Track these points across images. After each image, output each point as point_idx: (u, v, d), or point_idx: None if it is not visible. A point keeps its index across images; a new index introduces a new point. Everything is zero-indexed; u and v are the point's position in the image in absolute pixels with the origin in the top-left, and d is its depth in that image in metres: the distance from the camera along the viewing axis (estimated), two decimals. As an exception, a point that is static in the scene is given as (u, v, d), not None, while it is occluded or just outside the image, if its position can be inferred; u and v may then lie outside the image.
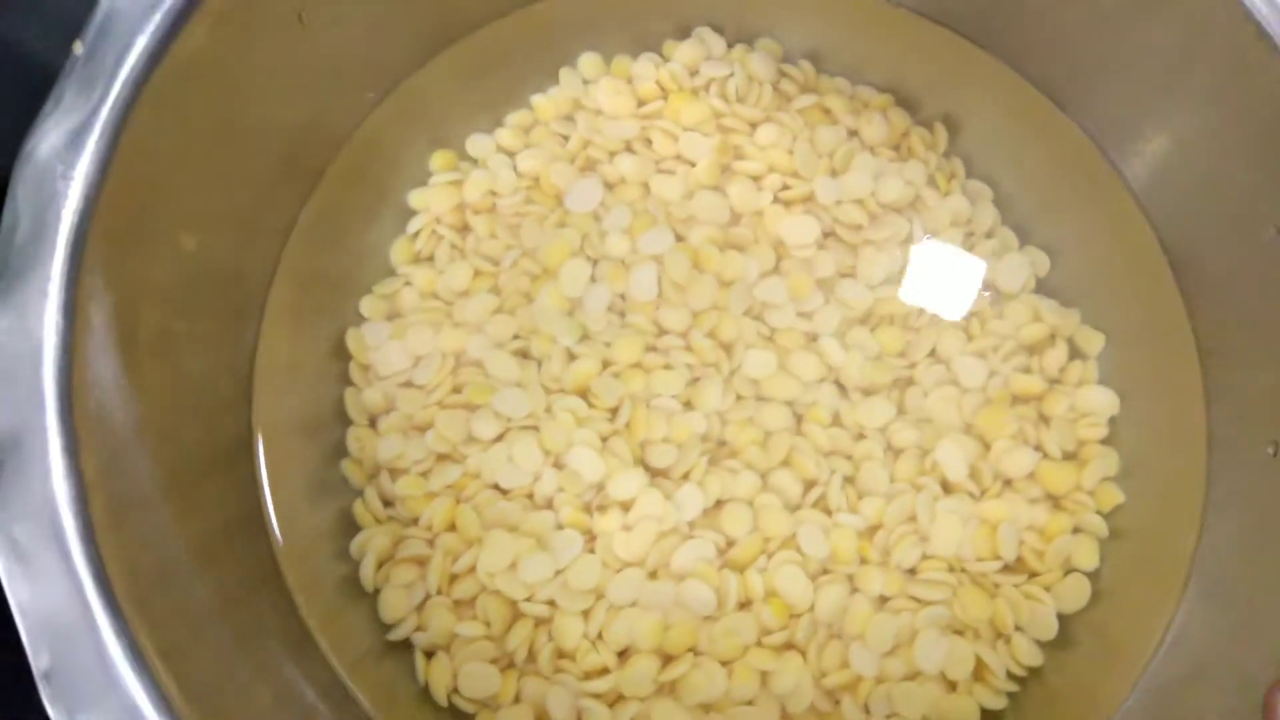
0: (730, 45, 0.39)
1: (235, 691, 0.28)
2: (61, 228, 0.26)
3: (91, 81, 0.27)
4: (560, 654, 0.32)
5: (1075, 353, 0.36)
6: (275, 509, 0.33)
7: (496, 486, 0.34)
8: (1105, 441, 0.35)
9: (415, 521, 0.33)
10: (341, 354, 0.36)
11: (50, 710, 0.22)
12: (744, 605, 0.32)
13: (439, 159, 0.38)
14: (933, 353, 0.36)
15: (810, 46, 0.39)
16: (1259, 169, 0.30)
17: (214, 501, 0.32)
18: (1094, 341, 0.36)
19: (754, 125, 0.38)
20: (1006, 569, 0.33)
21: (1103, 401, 0.35)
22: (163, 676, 0.24)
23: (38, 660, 0.23)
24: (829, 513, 0.33)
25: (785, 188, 0.37)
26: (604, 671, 0.31)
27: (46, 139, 0.26)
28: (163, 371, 0.30)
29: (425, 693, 0.32)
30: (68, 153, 0.26)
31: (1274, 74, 0.29)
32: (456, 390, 0.35)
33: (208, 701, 0.25)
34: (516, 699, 0.32)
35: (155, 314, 0.30)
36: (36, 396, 0.25)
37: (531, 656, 0.32)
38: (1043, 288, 0.37)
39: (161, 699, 0.23)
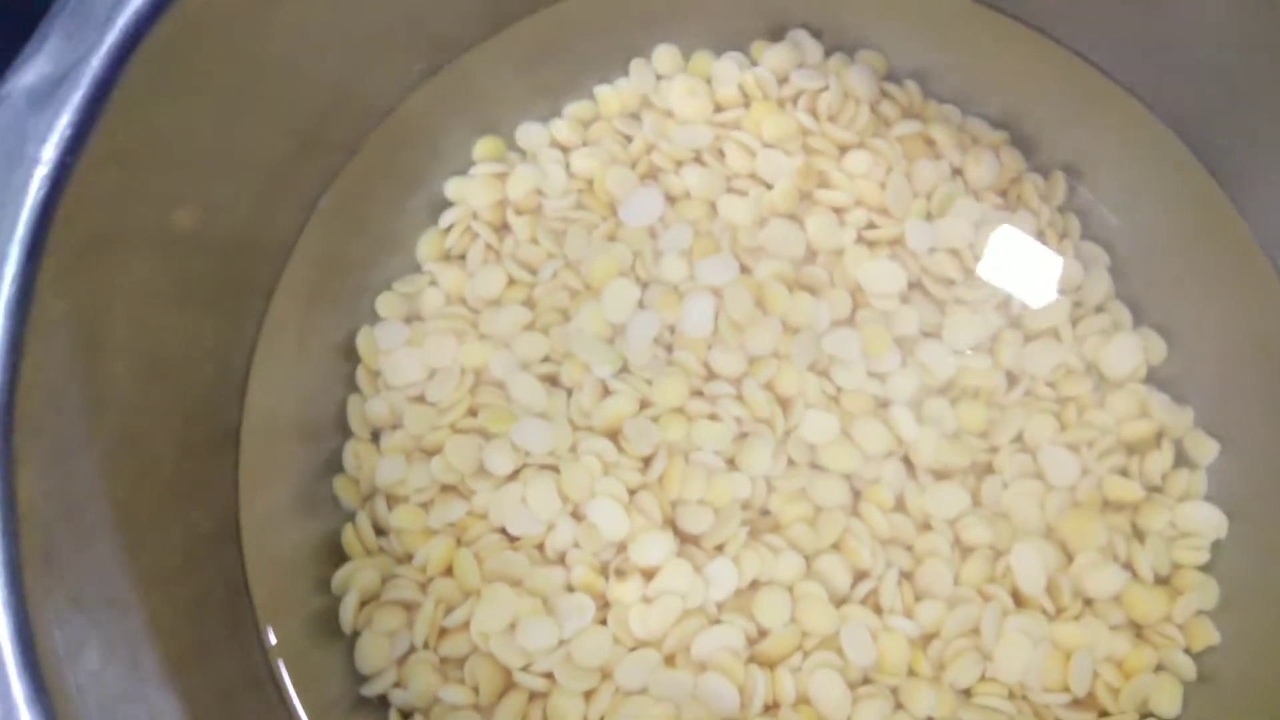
0: (828, 54, 0.35)
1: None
2: (27, 197, 0.22)
3: (82, 23, 0.23)
4: None
5: (1183, 459, 0.31)
6: (249, 524, 0.30)
7: (504, 531, 0.30)
8: (1205, 569, 0.30)
9: (409, 559, 0.30)
10: (350, 355, 0.32)
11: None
12: (770, 709, 0.28)
13: (484, 147, 0.34)
14: (1019, 438, 0.31)
15: (919, 65, 0.35)
16: None
17: (179, 512, 0.28)
18: (1207, 449, 0.31)
19: (844, 149, 0.34)
20: (1075, 703, 0.29)
21: (1208, 521, 0.30)
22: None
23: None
24: (880, 612, 0.29)
25: (871, 226, 0.33)
26: None
27: (20, 87, 0.22)
28: (136, 367, 0.26)
29: None
30: (44, 106, 0.22)
31: None
32: (472, 413, 0.31)
33: None
34: None
35: (134, 305, 0.26)
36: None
37: None
38: (1154, 378, 0.32)
39: None
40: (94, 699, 0.22)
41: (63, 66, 0.22)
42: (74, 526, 0.24)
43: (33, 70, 0.22)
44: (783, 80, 0.34)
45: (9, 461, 0.21)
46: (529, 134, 0.34)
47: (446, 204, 0.34)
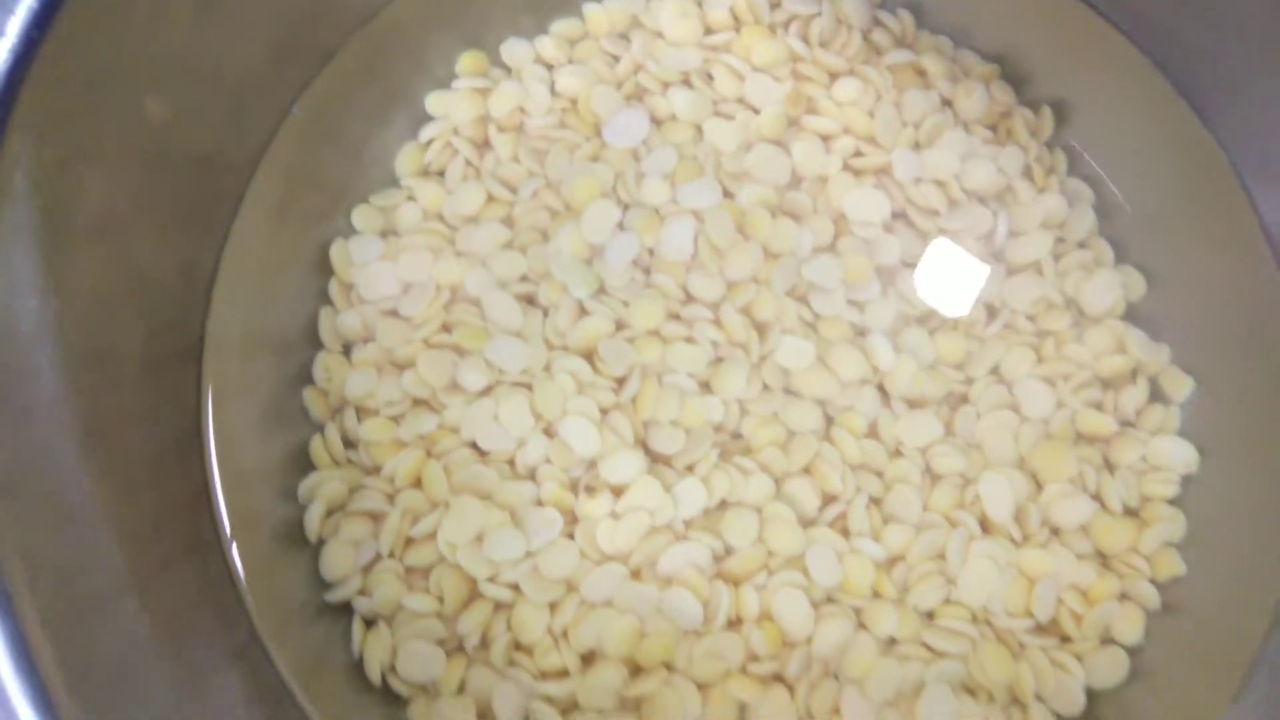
0: (821, -22, 0.34)
1: (135, 646, 0.24)
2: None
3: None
4: (517, 646, 0.29)
5: (1157, 395, 0.32)
6: (217, 432, 0.30)
7: (475, 446, 0.30)
8: (1174, 502, 0.31)
9: (377, 471, 0.30)
10: (323, 268, 0.32)
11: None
12: (733, 624, 0.29)
13: (467, 61, 0.34)
14: (995, 370, 0.32)
15: (913, -5, 0.34)
16: None
17: (143, 416, 0.28)
18: (1181, 386, 0.31)
19: (834, 77, 0.34)
20: (1038, 629, 0.29)
21: (1179, 456, 0.31)
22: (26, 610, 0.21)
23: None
24: (847, 535, 0.30)
25: (858, 154, 0.33)
26: (563, 674, 0.28)
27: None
28: (101, 262, 0.26)
29: (357, 668, 0.29)
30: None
31: None
32: (446, 329, 0.31)
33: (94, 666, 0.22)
34: (460, 689, 0.28)
35: (102, 190, 0.26)
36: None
37: (484, 644, 0.29)
38: (1133, 315, 0.32)
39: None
40: (62, 612, 0.22)
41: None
42: (35, 437, 0.24)
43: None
44: (775, 5, 0.34)
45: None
46: (514, 50, 0.34)
47: (427, 118, 0.33)
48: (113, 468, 0.26)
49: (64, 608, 0.23)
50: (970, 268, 0.32)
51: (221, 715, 0.26)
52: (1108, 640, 0.29)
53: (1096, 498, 0.30)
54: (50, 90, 0.23)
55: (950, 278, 0.32)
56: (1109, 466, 0.31)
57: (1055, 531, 0.30)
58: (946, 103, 0.33)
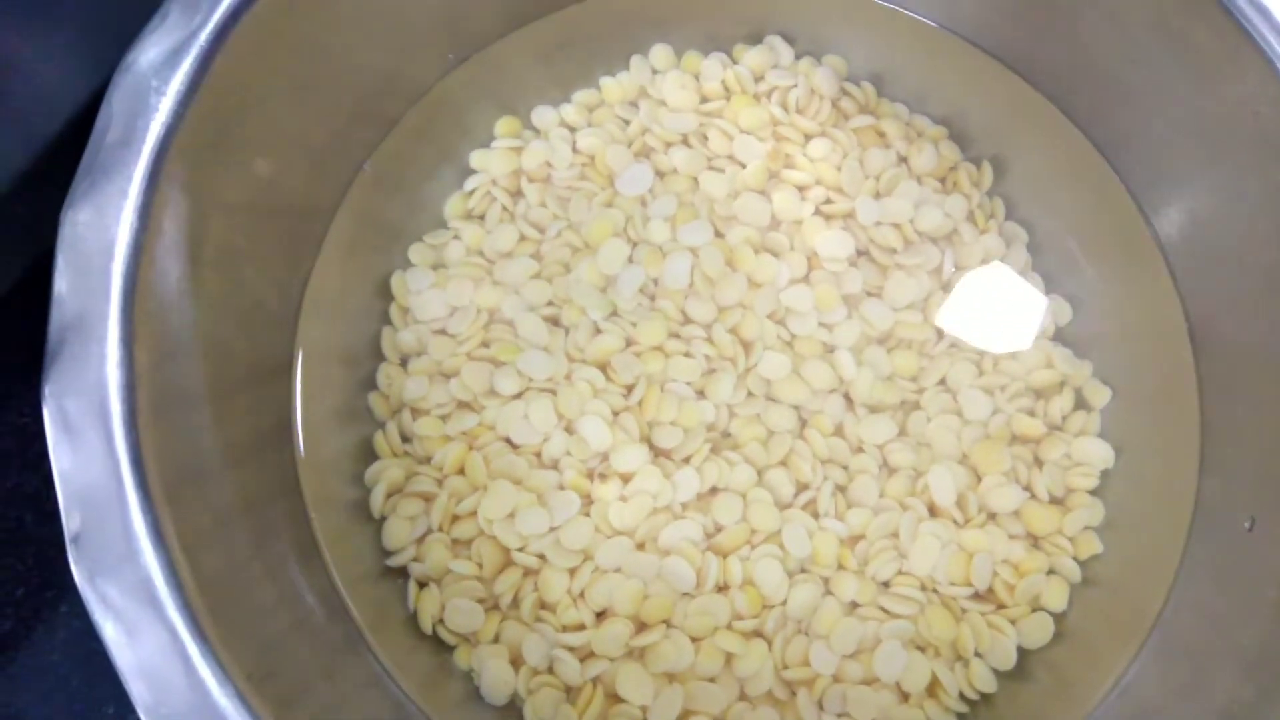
0: (798, 57, 0.40)
1: (244, 584, 0.30)
2: (148, 137, 0.28)
3: (195, 4, 0.29)
4: (542, 605, 0.34)
5: (1081, 403, 0.37)
6: (303, 427, 0.35)
7: (508, 440, 0.35)
8: (1094, 492, 0.36)
9: (428, 460, 0.35)
10: (385, 294, 0.38)
11: (75, 569, 0.24)
12: (721, 589, 0.34)
13: (504, 125, 0.40)
14: (942, 381, 0.37)
15: (876, 69, 0.40)
16: (1277, 249, 0.31)
17: (249, 411, 0.33)
18: (1100, 395, 0.36)
19: (808, 137, 0.39)
20: (976, 597, 0.34)
21: (1098, 453, 0.36)
22: (179, 557, 0.26)
23: (69, 522, 0.25)
24: (816, 516, 0.35)
25: (828, 201, 0.38)
26: (580, 627, 0.33)
27: (147, 53, 0.28)
28: (222, 284, 0.32)
29: (413, 619, 0.34)
30: (164, 68, 0.28)
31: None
32: (485, 345, 0.36)
33: (218, 587, 0.27)
34: (496, 639, 0.33)
35: (222, 230, 0.32)
36: (104, 288, 0.27)
37: (515, 603, 0.34)
38: (1060, 336, 0.37)
39: (175, 578, 0.25)
40: (200, 531, 0.28)
41: (180, 37, 0.28)
42: (176, 409, 0.30)
43: (155, 39, 0.29)
44: (759, 78, 0.40)
45: (128, 339, 0.27)
46: (543, 115, 0.40)
47: (471, 171, 0.39)
48: (227, 456, 0.31)
49: (194, 572, 0.27)
50: (924, 293, 0.38)
51: (306, 658, 0.31)
52: (1036, 607, 0.34)
53: (1027, 488, 0.35)
54: (190, 152, 0.29)
55: (907, 302, 0.37)
56: (1038, 462, 0.36)
57: (991, 516, 0.35)
58: (902, 159, 0.39)
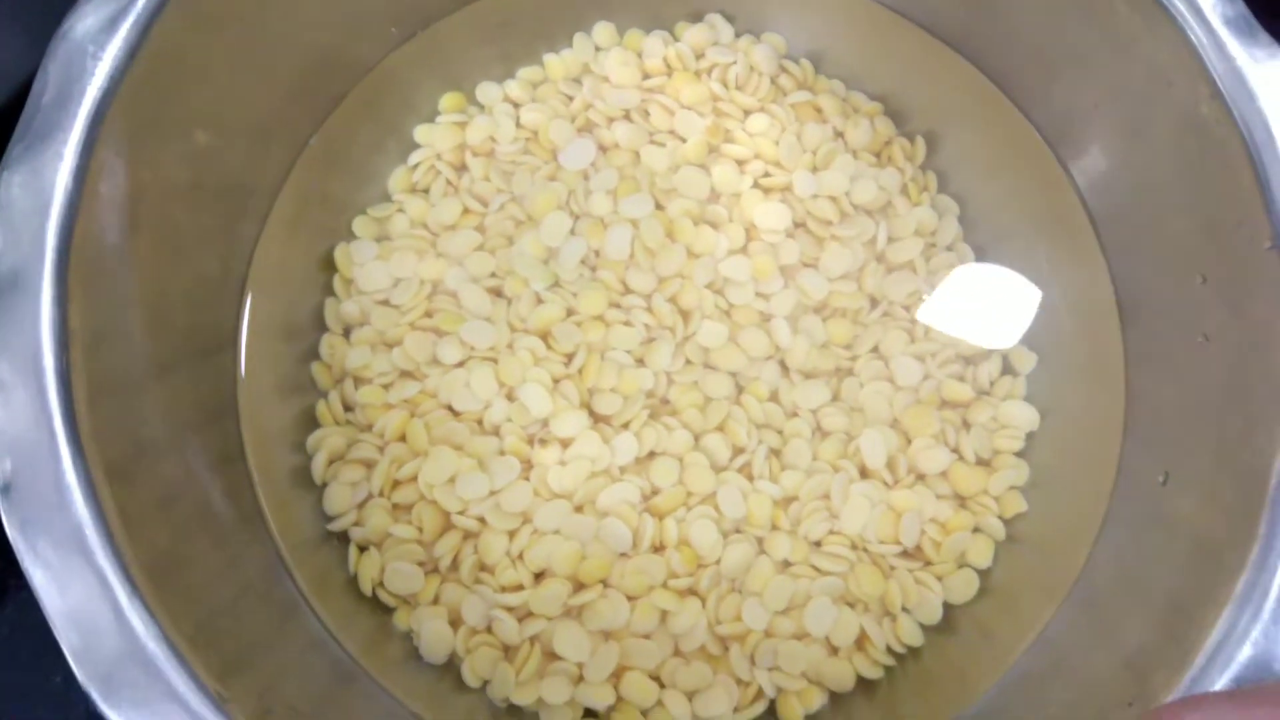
0: (738, 35, 0.41)
1: (186, 553, 0.30)
2: (85, 101, 0.28)
3: (129, -22, 0.29)
4: (482, 567, 0.34)
5: (1008, 368, 0.38)
6: (246, 399, 0.36)
7: (450, 408, 0.36)
8: (1020, 454, 0.37)
9: (370, 428, 0.36)
10: (329, 267, 0.38)
11: (5, 520, 0.25)
12: (657, 549, 0.35)
13: (448, 100, 0.40)
14: (875, 349, 0.38)
15: (814, 48, 0.41)
16: (1194, 218, 0.32)
17: (191, 380, 0.34)
18: (1027, 361, 0.38)
19: (747, 113, 0.40)
20: (905, 554, 0.35)
21: (1024, 416, 0.37)
22: (109, 505, 0.26)
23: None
24: (751, 479, 0.36)
25: (766, 175, 0.39)
26: (519, 588, 0.34)
27: (84, 20, 0.29)
28: (162, 252, 0.32)
29: (353, 582, 0.34)
30: (101, 35, 0.29)
31: (1218, 136, 0.31)
32: (429, 315, 0.37)
33: (161, 556, 0.28)
34: (435, 600, 0.34)
35: (162, 200, 0.32)
36: (39, 249, 0.27)
37: (455, 565, 0.34)
38: None
39: (105, 527, 0.26)
40: (142, 498, 0.28)
41: (117, 5, 0.29)
42: (115, 375, 0.30)
43: (92, 6, 0.29)
44: (699, 55, 0.41)
45: (62, 299, 0.27)
46: (487, 91, 0.40)
47: (415, 146, 0.40)
48: (172, 428, 0.32)
49: (141, 545, 0.28)
50: (858, 264, 0.39)
51: (252, 622, 0.31)
52: (962, 564, 0.35)
53: (955, 450, 0.36)
54: (128, 120, 0.29)
55: (841, 273, 0.38)
56: (966, 425, 0.37)
57: (920, 477, 0.36)
58: (839, 134, 0.40)
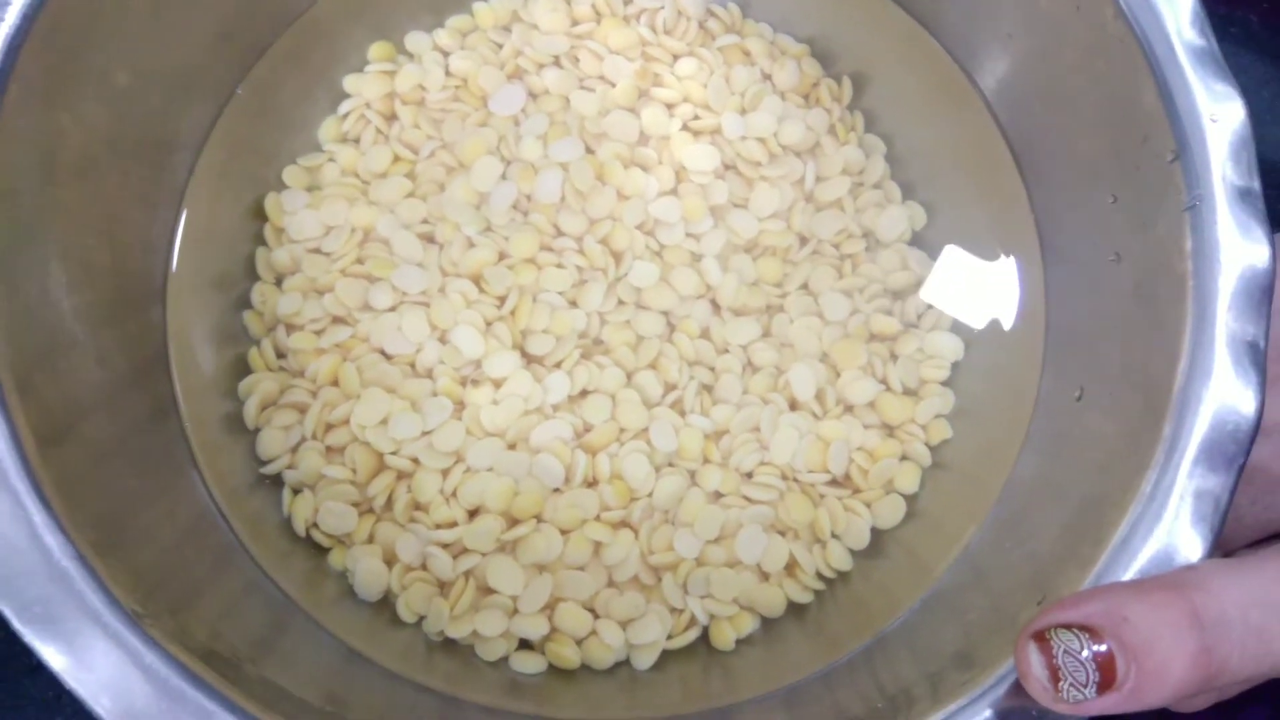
0: (666, -20, 0.41)
1: (124, 508, 0.30)
2: (-4, 38, 0.28)
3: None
4: (416, 506, 0.35)
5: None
6: (178, 349, 0.36)
7: (382, 352, 0.36)
8: (946, 384, 0.37)
9: (302, 373, 0.36)
10: (259, 216, 0.38)
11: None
12: (590, 484, 0.35)
13: (377, 49, 0.40)
14: (805, 286, 0.38)
15: (742, -8, 0.42)
16: (1104, 139, 0.33)
17: (120, 330, 0.34)
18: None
19: (676, 57, 0.40)
20: (834, 483, 0.36)
21: (949, 346, 0.37)
22: (40, 468, 0.27)
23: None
24: (683, 414, 0.36)
25: (695, 118, 0.39)
26: (452, 525, 0.34)
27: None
28: (84, 198, 0.33)
29: (288, 524, 0.35)
30: (8, -25, 0.29)
31: (1124, 54, 0.31)
32: (360, 261, 0.37)
33: (98, 517, 0.28)
34: (370, 539, 0.34)
35: (83, 144, 0.32)
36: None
37: (389, 505, 0.35)
38: (917, 240, 0.39)
39: (41, 495, 0.26)
40: (74, 457, 0.28)
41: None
42: (42, 339, 0.30)
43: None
44: (628, 1, 0.41)
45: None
46: (416, 40, 0.40)
47: (344, 95, 0.39)
48: (102, 382, 0.32)
49: (73, 502, 0.27)
50: (787, 204, 0.39)
51: (190, 569, 0.32)
52: (890, 490, 0.36)
53: (883, 381, 0.37)
54: (41, 60, 0.29)
55: (770, 212, 0.39)
56: (893, 357, 0.37)
57: (849, 408, 0.37)
58: (766, 76, 0.40)
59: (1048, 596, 0.27)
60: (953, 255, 0.39)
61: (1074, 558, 0.28)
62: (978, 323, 0.38)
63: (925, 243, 0.39)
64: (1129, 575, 0.26)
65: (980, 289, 0.38)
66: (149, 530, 0.31)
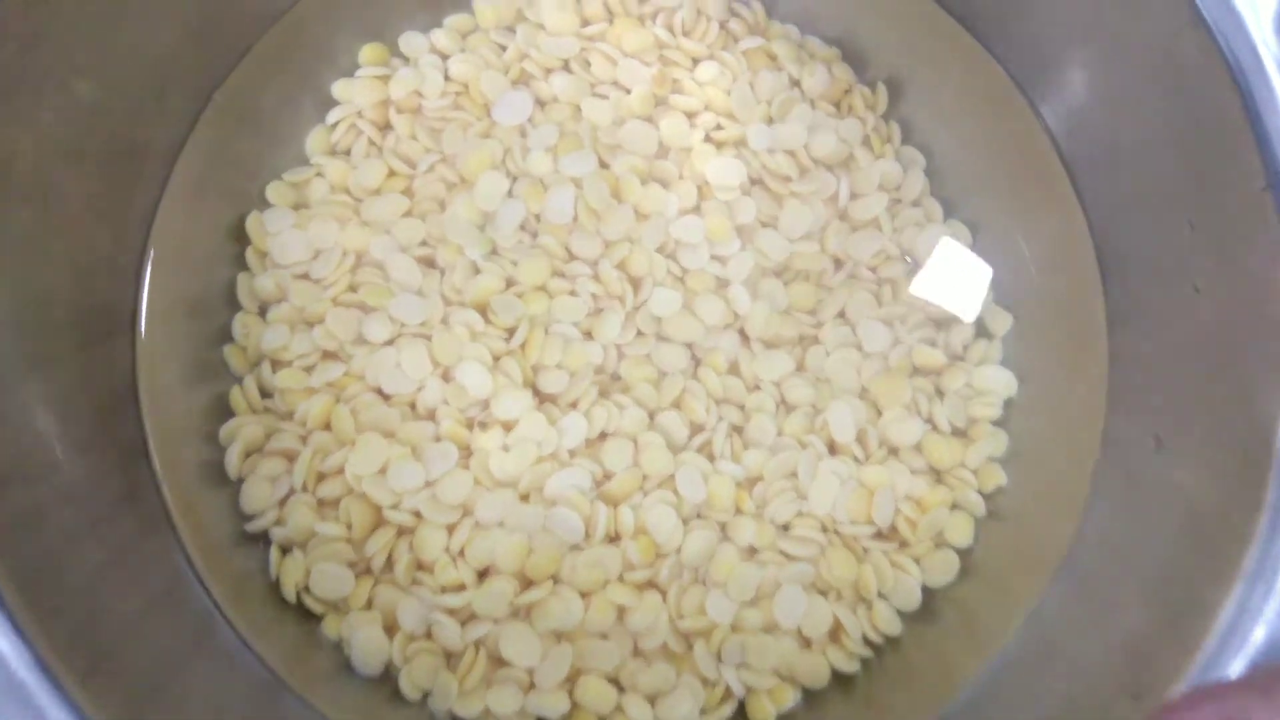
0: (684, -23, 0.38)
1: (80, 571, 0.27)
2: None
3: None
4: (419, 565, 0.31)
5: (982, 331, 0.36)
6: (149, 388, 0.32)
7: (379, 391, 0.33)
8: (997, 423, 0.34)
9: (290, 416, 0.33)
10: (240, 237, 0.35)
11: None
12: (612, 539, 0.32)
13: (369, 52, 0.37)
14: (841, 314, 0.35)
15: (766, -11, 0.38)
16: (1177, 159, 0.30)
17: (82, 367, 0.30)
18: (1002, 322, 0.35)
19: (696, 61, 0.37)
20: (879, 535, 0.33)
21: (1000, 382, 0.34)
22: None
23: None
24: (711, 459, 0.33)
25: (718, 128, 0.36)
26: (460, 588, 0.31)
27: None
28: (39, 222, 0.29)
29: (275, 588, 0.31)
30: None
31: (1200, 66, 0.28)
32: (353, 289, 0.34)
33: (49, 582, 0.24)
34: (368, 605, 0.31)
35: (37, 160, 0.29)
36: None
37: (389, 565, 0.31)
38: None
39: None
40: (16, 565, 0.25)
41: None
42: None
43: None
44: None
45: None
46: (411, 41, 0.37)
47: (333, 103, 0.36)
48: (57, 425, 0.28)
49: (17, 561, 0.25)
50: (820, 223, 0.36)
51: (159, 642, 0.28)
52: (940, 543, 0.33)
53: (929, 420, 0.34)
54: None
55: (803, 232, 0.36)
56: (939, 393, 0.34)
57: (893, 450, 0.34)
58: (795, 82, 0.37)
59: (1146, 694, 0.24)
60: (999, 279, 0.36)
61: (1170, 639, 0.25)
62: (1029, 354, 0.35)
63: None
64: (1238, 667, 0.23)
65: (1032, 319, 0.35)
66: (109, 597, 0.27)
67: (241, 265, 0.34)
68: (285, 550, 0.32)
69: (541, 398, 0.33)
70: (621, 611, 0.31)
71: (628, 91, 0.36)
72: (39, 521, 0.26)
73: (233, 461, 0.32)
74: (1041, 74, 0.35)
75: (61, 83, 0.29)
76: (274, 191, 0.35)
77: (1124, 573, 0.30)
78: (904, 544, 0.33)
